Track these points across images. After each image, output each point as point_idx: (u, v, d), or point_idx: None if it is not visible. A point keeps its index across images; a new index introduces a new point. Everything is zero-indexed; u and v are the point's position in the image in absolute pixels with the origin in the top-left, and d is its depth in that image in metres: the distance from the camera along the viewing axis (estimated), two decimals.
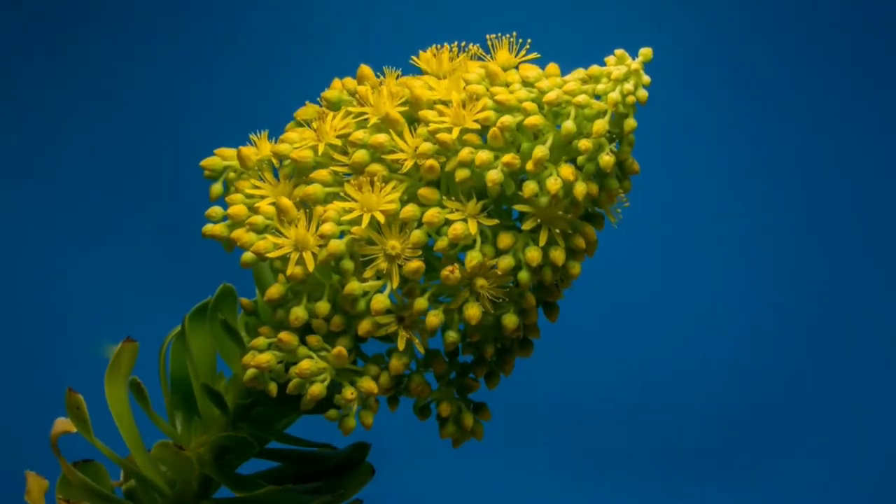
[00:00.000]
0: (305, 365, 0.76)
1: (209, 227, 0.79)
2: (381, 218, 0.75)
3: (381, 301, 0.74)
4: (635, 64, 0.76)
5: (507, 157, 0.74)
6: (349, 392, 0.76)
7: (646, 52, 0.77)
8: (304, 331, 0.77)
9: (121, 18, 1.60)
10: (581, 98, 0.75)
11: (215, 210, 0.80)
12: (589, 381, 1.57)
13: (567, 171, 0.74)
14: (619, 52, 0.77)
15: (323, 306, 0.76)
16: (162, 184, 1.55)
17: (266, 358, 0.76)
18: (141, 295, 1.55)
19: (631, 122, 0.76)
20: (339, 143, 0.78)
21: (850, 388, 1.60)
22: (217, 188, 0.81)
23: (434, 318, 0.75)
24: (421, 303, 0.75)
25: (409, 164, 0.75)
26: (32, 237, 1.56)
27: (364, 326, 0.75)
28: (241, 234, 0.77)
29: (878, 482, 1.58)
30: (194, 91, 1.58)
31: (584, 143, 0.74)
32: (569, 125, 0.75)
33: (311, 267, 0.75)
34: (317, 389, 0.75)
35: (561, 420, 1.58)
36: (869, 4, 1.64)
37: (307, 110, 0.82)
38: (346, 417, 0.77)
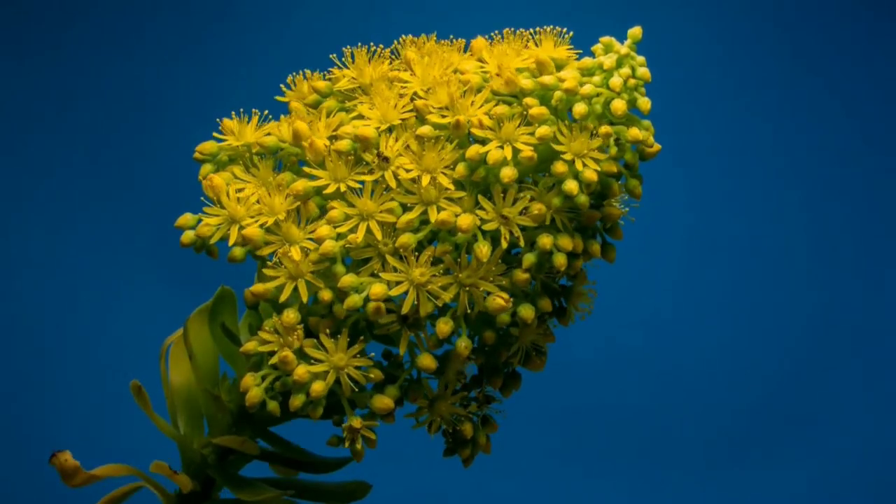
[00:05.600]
0: (301, 371, 0.75)
1: (188, 234, 0.78)
2: (377, 231, 0.74)
3: (379, 287, 0.73)
4: (624, 48, 0.76)
5: (527, 152, 0.74)
6: (356, 421, 0.76)
7: (634, 32, 0.76)
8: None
9: (118, 22, 1.59)
10: (587, 88, 0.75)
11: (186, 218, 0.79)
12: (589, 381, 1.58)
13: (591, 173, 0.74)
14: (604, 39, 0.76)
15: (326, 294, 0.75)
16: (163, 184, 1.55)
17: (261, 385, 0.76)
18: (143, 296, 1.55)
19: (645, 102, 0.75)
20: (328, 142, 0.77)
21: (855, 385, 1.61)
22: (209, 168, 0.80)
23: (444, 325, 0.75)
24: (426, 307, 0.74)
25: (414, 174, 0.75)
26: (32, 239, 1.56)
27: (370, 308, 0.73)
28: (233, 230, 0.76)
29: (880, 481, 1.58)
30: (197, 93, 1.58)
31: (604, 129, 0.74)
32: (580, 108, 0.74)
33: (296, 257, 0.75)
34: (319, 387, 0.74)
35: (558, 420, 1.58)
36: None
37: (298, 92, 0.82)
38: (353, 443, 0.76)
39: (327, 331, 0.76)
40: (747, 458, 1.58)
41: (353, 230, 0.75)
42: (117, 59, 1.59)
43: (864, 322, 1.62)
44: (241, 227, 0.76)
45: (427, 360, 0.76)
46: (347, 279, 0.74)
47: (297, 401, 0.75)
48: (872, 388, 1.60)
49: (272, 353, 0.75)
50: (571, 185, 0.73)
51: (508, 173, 0.73)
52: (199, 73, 1.59)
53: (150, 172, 1.57)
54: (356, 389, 0.76)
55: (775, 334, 1.61)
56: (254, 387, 0.76)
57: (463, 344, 0.75)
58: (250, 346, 0.76)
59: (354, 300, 0.74)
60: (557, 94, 0.75)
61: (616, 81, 0.75)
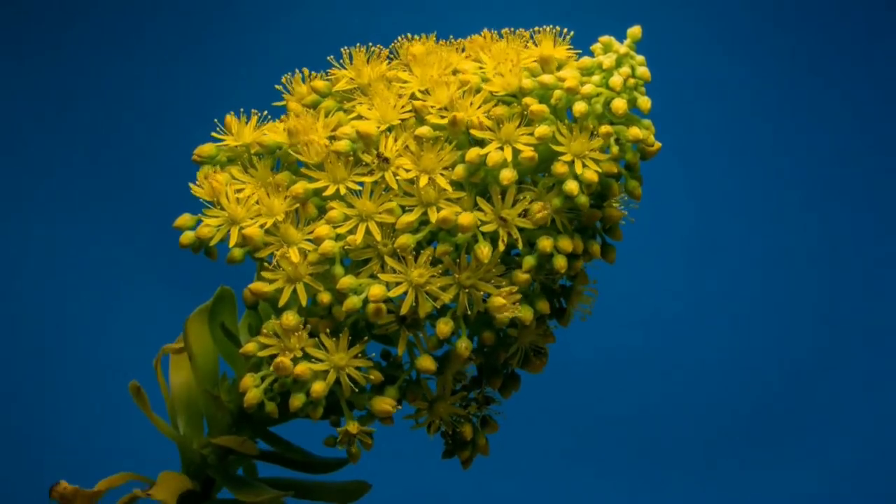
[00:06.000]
0: (303, 368, 0.74)
1: (187, 235, 0.78)
2: (376, 232, 0.74)
3: (378, 288, 0.73)
4: (623, 47, 0.76)
5: (528, 153, 0.74)
6: (353, 426, 0.76)
7: (633, 32, 0.76)
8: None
9: (118, 22, 1.59)
10: (588, 88, 0.75)
11: (185, 219, 0.79)
12: (589, 381, 1.57)
13: (591, 173, 0.74)
14: (603, 39, 0.76)
15: (325, 296, 0.75)
16: (163, 184, 1.55)
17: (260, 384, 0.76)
18: (143, 296, 1.55)
19: (645, 101, 0.75)
20: (326, 141, 0.77)
21: (855, 385, 1.60)
22: (207, 169, 0.80)
23: (444, 325, 0.74)
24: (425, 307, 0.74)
25: (412, 174, 0.75)
26: (32, 239, 1.56)
27: (370, 309, 0.73)
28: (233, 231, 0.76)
29: (880, 481, 1.58)
30: (197, 93, 1.58)
31: (604, 129, 0.74)
32: (581, 106, 0.74)
33: (295, 259, 0.75)
34: (319, 387, 0.74)
35: (558, 420, 1.58)
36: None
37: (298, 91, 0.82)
38: (349, 446, 0.76)
39: (327, 330, 0.75)
40: (747, 458, 1.58)
41: (352, 231, 0.74)
42: (117, 59, 1.58)
43: (864, 322, 1.61)
44: (241, 228, 0.76)
45: (427, 362, 0.75)
46: (346, 281, 0.74)
47: (297, 401, 0.75)
48: (873, 388, 1.60)
49: (272, 357, 0.75)
50: (572, 186, 0.73)
51: (508, 175, 0.73)
52: (199, 73, 1.59)
53: (150, 172, 1.56)
54: (356, 390, 0.75)
55: (775, 334, 1.61)
56: (252, 388, 0.76)
57: (463, 345, 0.75)
58: (250, 347, 0.76)
59: (353, 302, 0.74)
60: (557, 93, 0.75)
61: (616, 81, 0.74)
